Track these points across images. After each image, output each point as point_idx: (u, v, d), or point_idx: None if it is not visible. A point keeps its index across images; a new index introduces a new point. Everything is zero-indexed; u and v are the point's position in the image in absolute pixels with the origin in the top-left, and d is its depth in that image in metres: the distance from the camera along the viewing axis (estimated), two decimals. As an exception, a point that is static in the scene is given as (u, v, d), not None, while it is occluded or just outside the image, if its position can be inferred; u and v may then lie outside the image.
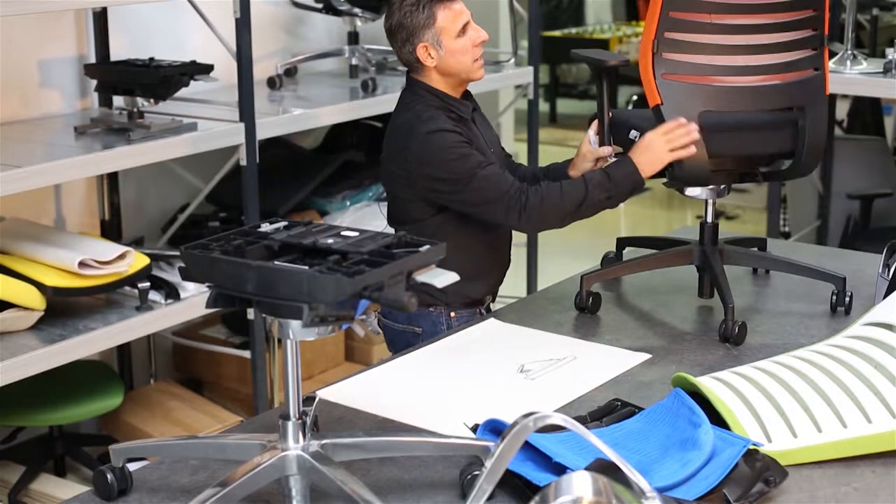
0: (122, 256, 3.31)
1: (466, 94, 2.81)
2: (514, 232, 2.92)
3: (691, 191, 2.79)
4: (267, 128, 3.70)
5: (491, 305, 2.90)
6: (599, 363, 2.47)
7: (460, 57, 2.71)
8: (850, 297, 2.74)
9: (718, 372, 2.21)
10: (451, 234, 2.66)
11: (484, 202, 2.64)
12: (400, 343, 2.77)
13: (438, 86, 2.73)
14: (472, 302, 2.81)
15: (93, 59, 3.85)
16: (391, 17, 2.75)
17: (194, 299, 3.47)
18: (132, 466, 1.94)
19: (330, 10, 4.31)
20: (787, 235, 5.65)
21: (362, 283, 1.71)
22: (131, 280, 3.33)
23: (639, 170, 2.64)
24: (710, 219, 2.84)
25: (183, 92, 3.50)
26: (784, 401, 2.05)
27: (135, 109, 3.49)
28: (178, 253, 2.55)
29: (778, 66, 2.69)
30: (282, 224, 1.93)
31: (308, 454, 1.83)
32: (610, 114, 2.85)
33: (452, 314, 2.78)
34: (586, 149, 2.86)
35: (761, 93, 2.69)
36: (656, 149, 2.61)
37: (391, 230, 2.77)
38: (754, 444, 1.93)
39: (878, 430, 2.01)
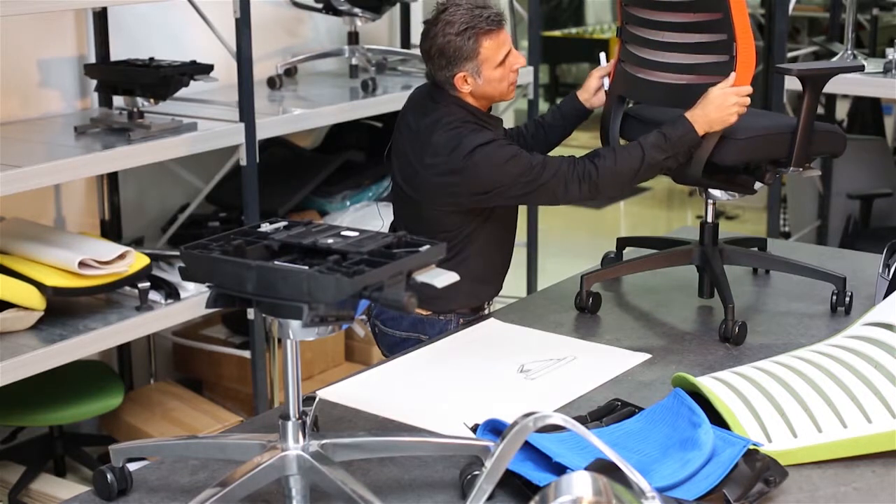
0: (122, 256, 3.31)
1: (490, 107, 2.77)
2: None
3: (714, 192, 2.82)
4: (267, 128, 3.70)
5: (490, 308, 2.88)
6: (599, 363, 2.47)
7: (497, 84, 2.66)
8: (850, 297, 2.74)
9: (718, 372, 2.21)
10: (471, 239, 2.67)
11: (542, 185, 2.58)
12: (401, 350, 2.70)
13: (469, 101, 2.68)
14: (479, 307, 2.80)
15: (93, 59, 3.85)
16: (431, 41, 2.64)
17: (194, 299, 3.47)
18: (132, 466, 1.94)
19: (330, 10, 4.31)
20: (787, 235, 5.65)
21: (362, 283, 1.71)
22: (131, 280, 3.33)
23: (696, 128, 2.58)
24: (710, 219, 2.85)
25: (183, 92, 3.50)
26: (784, 401, 2.05)
27: (135, 109, 3.49)
28: (178, 253, 2.55)
29: (678, 66, 2.70)
30: (282, 224, 1.93)
31: (308, 454, 1.83)
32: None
33: (461, 321, 2.75)
34: (592, 72, 2.90)
35: (663, 89, 2.73)
36: (726, 107, 2.56)
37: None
38: (754, 444, 1.93)
39: (878, 430, 2.01)
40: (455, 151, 2.59)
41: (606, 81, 2.87)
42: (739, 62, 2.56)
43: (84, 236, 3.57)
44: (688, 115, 2.60)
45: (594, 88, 2.89)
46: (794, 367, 2.16)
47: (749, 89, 2.58)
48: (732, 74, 2.57)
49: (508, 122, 7.06)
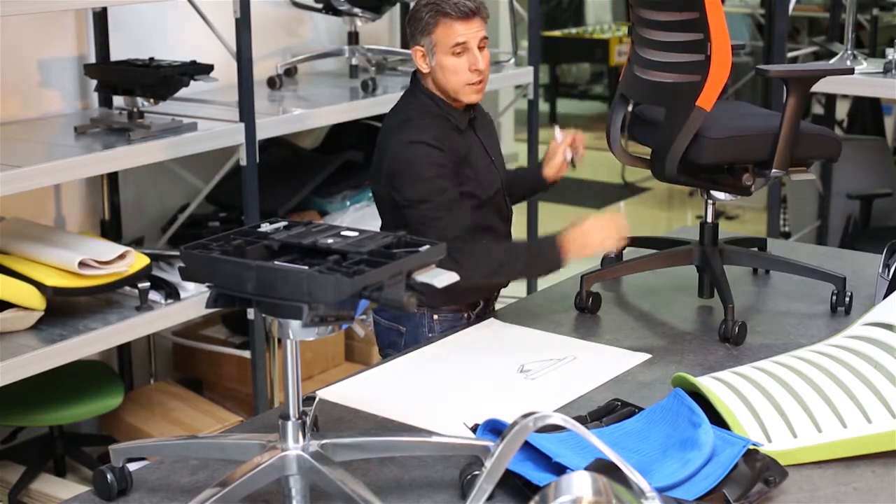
0: (122, 256, 3.30)
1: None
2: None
3: (716, 194, 2.82)
4: (267, 128, 3.70)
5: (485, 310, 2.86)
6: (599, 363, 2.47)
7: (449, 75, 2.62)
8: (850, 297, 2.74)
9: (718, 372, 2.21)
10: None
11: (432, 228, 2.54)
12: (385, 339, 2.79)
13: (436, 92, 2.68)
14: (457, 308, 2.79)
15: (93, 59, 3.85)
16: (413, 8, 2.69)
17: (194, 299, 3.47)
18: (132, 466, 1.94)
19: (330, 10, 4.31)
20: (787, 235, 5.65)
21: (362, 283, 1.71)
22: (131, 280, 3.33)
23: (564, 256, 2.59)
24: (710, 219, 2.85)
25: (183, 92, 3.50)
26: (784, 401, 2.05)
27: (135, 109, 3.49)
28: (178, 253, 2.55)
29: (662, 64, 2.72)
30: (282, 224, 1.93)
31: (308, 454, 1.83)
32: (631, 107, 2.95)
33: (436, 317, 2.74)
34: (553, 145, 2.89)
35: (651, 87, 2.76)
36: (591, 238, 2.61)
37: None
38: (754, 444, 1.93)
39: (878, 430, 2.01)
40: (390, 136, 2.62)
41: (569, 153, 2.87)
42: (714, 62, 2.57)
43: (84, 236, 3.57)
44: (566, 237, 2.60)
45: (558, 164, 2.88)
46: (794, 367, 2.16)
47: (626, 225, 2.64)
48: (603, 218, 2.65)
49: (509, 122, 7.08)
